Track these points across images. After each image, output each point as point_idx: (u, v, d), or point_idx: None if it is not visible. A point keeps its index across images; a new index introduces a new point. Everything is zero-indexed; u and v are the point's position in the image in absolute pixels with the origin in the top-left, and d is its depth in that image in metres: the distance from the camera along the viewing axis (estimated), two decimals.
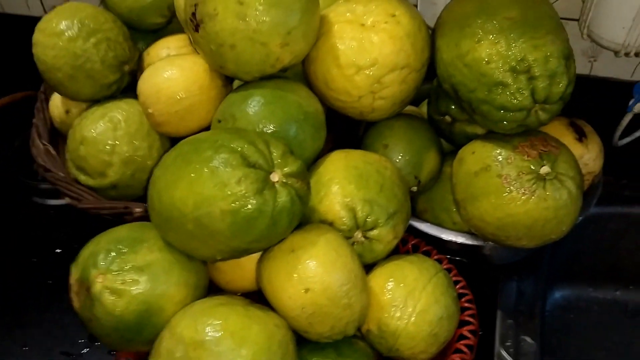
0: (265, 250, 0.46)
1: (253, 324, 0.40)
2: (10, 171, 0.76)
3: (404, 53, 0.53)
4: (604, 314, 0.80)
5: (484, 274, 0.65)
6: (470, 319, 0.51)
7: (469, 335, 0.49)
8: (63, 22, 0.55)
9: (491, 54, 0.49)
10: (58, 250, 0.70)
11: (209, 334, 0.39)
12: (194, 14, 0.50)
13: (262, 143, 0.42)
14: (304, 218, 0.49)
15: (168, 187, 0.42)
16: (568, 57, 0.50)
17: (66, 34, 0.55)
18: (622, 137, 0.71)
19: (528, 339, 0.62)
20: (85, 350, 0.61)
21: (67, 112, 0.61)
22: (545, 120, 0.51)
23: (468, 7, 0.53)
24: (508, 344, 0.61)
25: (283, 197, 0.41)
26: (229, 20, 0.48)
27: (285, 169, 0.42)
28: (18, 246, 0.71)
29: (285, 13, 0.49)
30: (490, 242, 0.58)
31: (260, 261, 0.46)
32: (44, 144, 0.59)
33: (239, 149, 0.41)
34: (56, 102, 0.62)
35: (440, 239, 0.60)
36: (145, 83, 0.54)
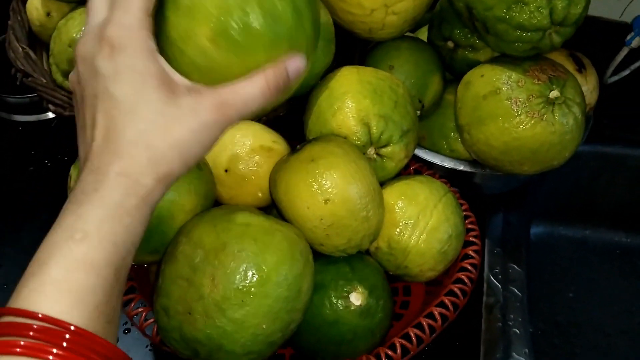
0: (280, 160, 0.44)
1: (275, 230, 0.39)
2: None
3: None
4: (575, 250, 0.83)
5: (472, 203, 0.66)
6: (475, 240, 0.51)
7: (473, 254, 0.50)
8: None
9: None
10: (31, 168, 0.66)
11: (231, 239, 0.37)
12: None
13: None
14: (316, 131, 0.47)
15: None
16: None
17: None
18: (611, 75, 0.72)
19: (515, 267, 0.63)
20: None
21: (48, 14, 0.56)
22: (558, 43, 0.50)
23: None
24: (496, 270, 0.62)
25: None
26: None
27: None
28: None
29: None
30: (488, 170, 0.58)
31: (275, 171, 0.45)
32: (23, 48, 0.54)
33: None
34: (35, 4, 0.57)
35: (436, 165, 0.59)
36: None
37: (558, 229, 0.84)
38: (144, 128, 0.28)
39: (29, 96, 0.68)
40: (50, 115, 0.68)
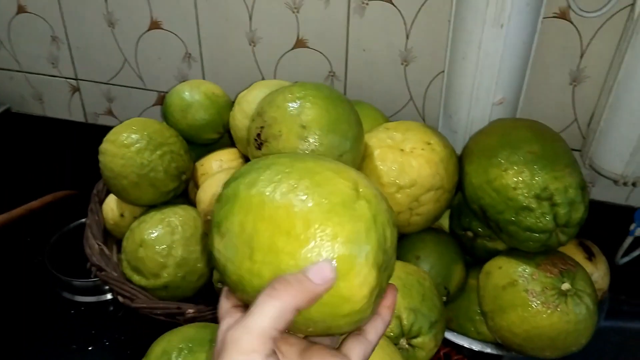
0: None
1: None
2: (44, 266, 0.78)
3: (439, 176, 0.60)
4: None
5: None
6: None
7: None
8: (133, 135, 0.61)
9: (517, 182, 0.56)
10: (90, 348, 0.72)
11: None
12: (259, 135, 0.57)
13: None
14: None
15: None
16: (583, 187, 0.57)
17: (135, 145, 0.61)
18: (622, 256, 0.78)
19: None
20: None
21: (121, 215, 0.66)
22: (565, 241, 0.57)
23: (492, 139, 0.61)
24: None
25: None
26: (292, 140, 0.55)
27: None
28: (50, 340, 0.73)
29: (340, 139, 0.56)
30: (513, 353, 0.62)
31: None
32: (98, 244, 0.63)
33: None
34: (111, 205, 0.67)
35: (464, 348, 0.64)
36: (206, 193, 0.59)
37: None
38: None
39: (92, 280, 0.76)
40: (109, 296, 0.76)
